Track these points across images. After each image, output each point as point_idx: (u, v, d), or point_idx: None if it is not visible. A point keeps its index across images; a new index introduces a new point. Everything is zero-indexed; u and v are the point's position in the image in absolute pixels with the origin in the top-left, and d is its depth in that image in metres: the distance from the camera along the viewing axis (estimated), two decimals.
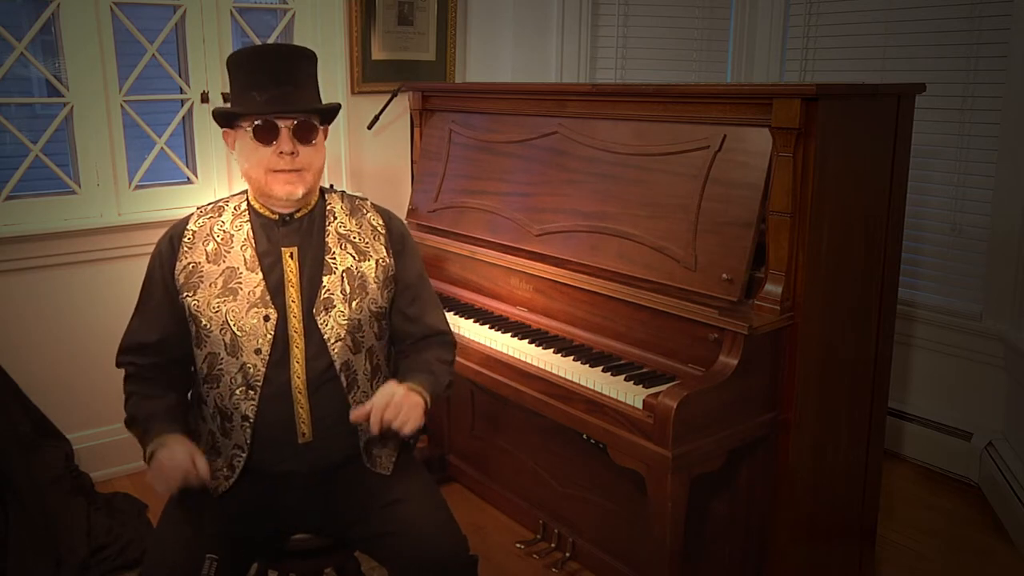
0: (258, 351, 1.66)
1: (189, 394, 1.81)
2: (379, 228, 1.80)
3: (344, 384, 1.70)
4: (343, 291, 1.71)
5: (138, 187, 3.11)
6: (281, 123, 1.62)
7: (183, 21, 3.11)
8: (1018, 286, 2.91)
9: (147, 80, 3.15)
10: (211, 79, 3.16)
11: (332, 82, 3.42)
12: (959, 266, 3.17)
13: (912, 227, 3.14)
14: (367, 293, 1.73)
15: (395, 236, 1.81)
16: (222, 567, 1.56)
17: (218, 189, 3.26)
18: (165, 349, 1.74)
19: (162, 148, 3.16)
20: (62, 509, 2.55)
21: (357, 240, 1.76)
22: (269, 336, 1.66)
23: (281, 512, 1.73)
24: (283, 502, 1.73)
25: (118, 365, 1.77)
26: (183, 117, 3.21)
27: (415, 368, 1.77)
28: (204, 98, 3.16)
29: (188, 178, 3.24)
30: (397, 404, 1.60)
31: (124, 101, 3.03)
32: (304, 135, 1.65)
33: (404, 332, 1.83)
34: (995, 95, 2.98)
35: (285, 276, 1.69)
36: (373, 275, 1.75)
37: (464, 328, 2.43)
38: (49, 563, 2.36)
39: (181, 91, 3.18)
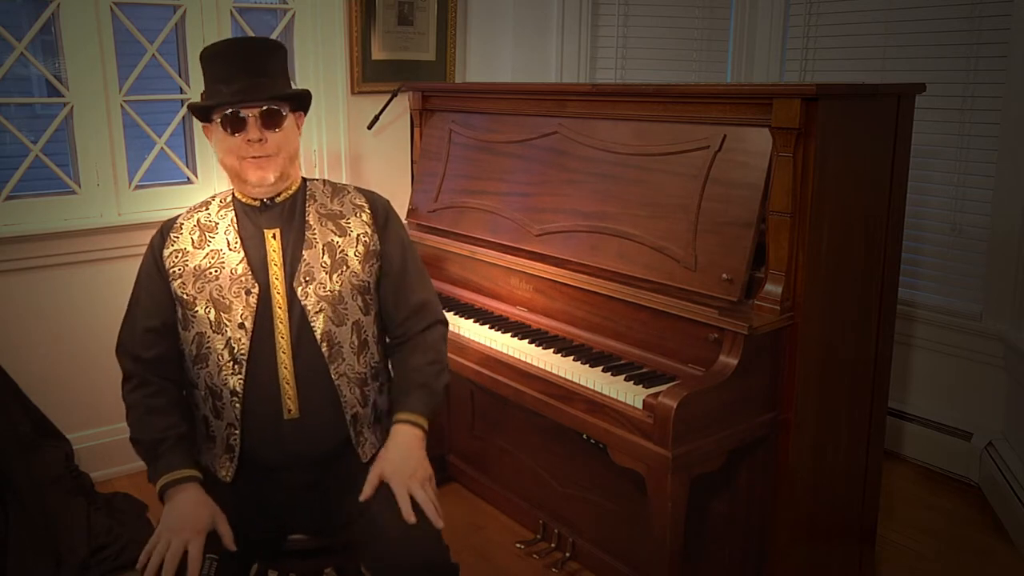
0: (242, 325, 1.70)
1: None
2: (362, 205, 1.84)
3: (326, 355, 1.72)
4: (323, 264, 1.75)
5: (138, 187, 3.11)
6: (247, 112, 1.68)
7: (183, 21, 3.11)
8: (1018, 286, 2.91)
9: (147, 80, 3.15)
10: None
11: (332, 82, 3.43)
12: (959, 266, 3.16)
13: (912, 227, 3.14)
14: (348, 266, 1.76)
15: (378, 212, 1.85)
16: (222, 567, 1.56)
17: (218, 189, 3.25)
18: (168, 335, 1.75)
19: (162, 148, 3.16)
20: (62, 509, 2.55)
21: (339, 217, 1.80)
22: (252, 309, 1.70)
23: (277, 511, 1.74)
24: (278, 500, 1.73)
25: (120, 355, 1.76)
26: (183, 117, 3.21)
27: (408, 387, 1.79)
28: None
29: (188, 178, 3.24)
30: (409, 475, 1.63)
31: (124, 101, 3.03)
32: (270, 122, 1.69)
33: (389, 312, 1.85)
34: (995, 95, 2.98)
35: (268, 255, 1.74)
36: (354, 250, 1.78)
37: (464, 328, 2.43)
38: (49, 563, 2.36)
39: (181, 91, 3.18)
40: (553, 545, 2.62)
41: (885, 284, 2.23)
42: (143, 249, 1.80)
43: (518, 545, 2.67)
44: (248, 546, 1.70)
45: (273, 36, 3.36)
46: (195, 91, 3.15)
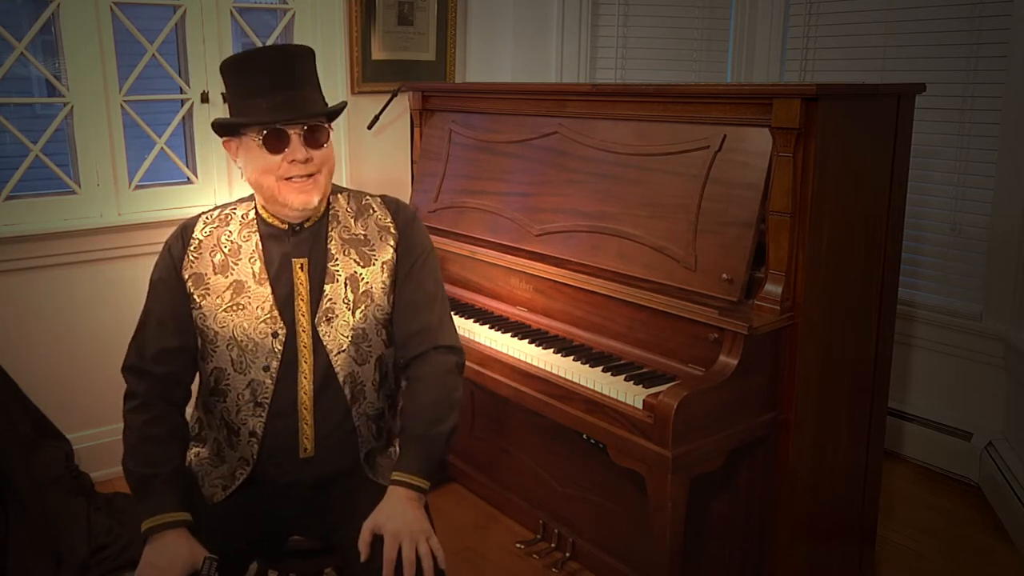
0: (266, 368, 1.62)
1: (192, 402, 1.75)
2: (387, 226, 1.72)
3: (348, 396, 1.66)
4: (346, 299, 1.65)
5: (138, 187, 3.11)
6: (290, 130, 1.55)
7: (183, 21, 3.11)
8: (1018, 286, 2.91)
9: (147, 80, 3.15)
10: (211, 79, 3.16)
11: (332, 82, 3.42)
12: (959, 266, 3.16)
13: (912, 227, 3.14)
14: (372, 300, 1.67)
15: (403, 232, 1.72)
16: (222, 567, 1.56)
17: (218, 189, 3.26)
18: (184, 355, 1.66)
19: (162, 148, 3.16)
20: (62, 509, 2.55)
21: (362, 244, 1.69)
22: (278, 352, 1.62)
23: (275, 517, 1.72)
24: (279, 512, 1.71)
25: (126, 372, 1.67)
26: (183, 117, 3.21)
27: (407, 438, 1.65)
28: (204, 98, 3.16)
29: (188, 178, 3.24)
30: (410, 540, 1.49)
31: (124, 101, 3.03)
32: (315, 139, 1.58)
33: (396, 330, 1.72)
34: (995, 95, 2.98)
35: (295, 289, 1.64)
36: (380, 280, 1.68)
37: (464, 328, 2.43)
38: (49, 563, 2.36)
39: (181, 91, 3.18)
40: (553, 545, 2.62)
41: (885, 284, 2.23)
42: (143, 249, 1.75)
43: (518, 545, 2.67)
44: (248, 546, 1.69)
45: (273, 36, 3.37)
46: (195, 91, 3.16)
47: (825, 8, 3.49)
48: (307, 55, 1.63)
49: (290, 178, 1.57)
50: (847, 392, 2.18)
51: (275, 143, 1.55)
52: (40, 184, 3.04)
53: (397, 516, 1.53)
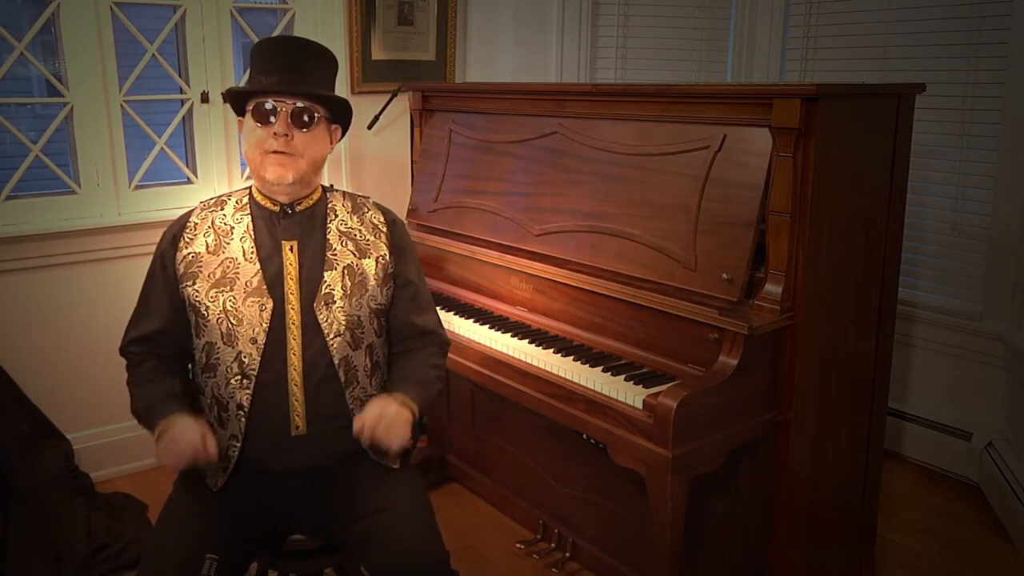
0: (254, 340, 1.68)
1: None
2: (380, 226, 1.83)
3: (343, 380, 1.72)
4: (343, 287, 1.73)
5: (138, 187, 3.11)
6: (280, 106, 1.66)
7: (183, 21, 3.11)
8: (1018, 286, 2.91)
9: (147, 80, 3.15)
10: (211, 79, 3.16)
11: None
12: (959, 266, 3.16)
13: (912, 227, 3.14)
14: (367, 290, 1.76)
15: (395, 234, 1.84)
16: (222, 567, 1.56)
17: (218, 189, 3.26)
18: (164, 341, 1.76)
19: (162, 148, 3.16)
20: (62, 509, 2.55)
21: (358, 237, 1.79)
22: (265, 325, 1.68)
23: (276, 513, 1.73)
24: (278, 503, 1.73)
25: (122, 352, 1.79)
26: (183, 117, 3.21)
27: (406, 377, 1.79)
28: (204, 98, 3.16)
29: (188, 178, 3.24)
30: (388, 422, 1.62)
31: (124, 101, 3.03)
32: (301, 120, 1.67)
33: (398, 330, 1.85)
34: (995, 95, 2.98)
35: (284, 268, 1.72)
36: (373, 272, 1.77)
37: (464, 328, 2.43)
38: (49, 563, 2.36)
39: (181, 91, 3.18)
40: (553, 545, 2.62)
41: (885, 284, 2.23)
42: (143, 249, 1.80)
43: (518, 545, 2.67)
44: (248, 546, 1.70)
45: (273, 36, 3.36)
46: (195, 91, 3.16)
47: (825, 8, 3.48)
48: (325, 54, 1.76)
49: (271, 152, 1.67)
50: (847, 392, 2.18)
51: (262, 115, 1.66)
52: (40, 184, 3.04)
53: (384, 404, 1.65)
